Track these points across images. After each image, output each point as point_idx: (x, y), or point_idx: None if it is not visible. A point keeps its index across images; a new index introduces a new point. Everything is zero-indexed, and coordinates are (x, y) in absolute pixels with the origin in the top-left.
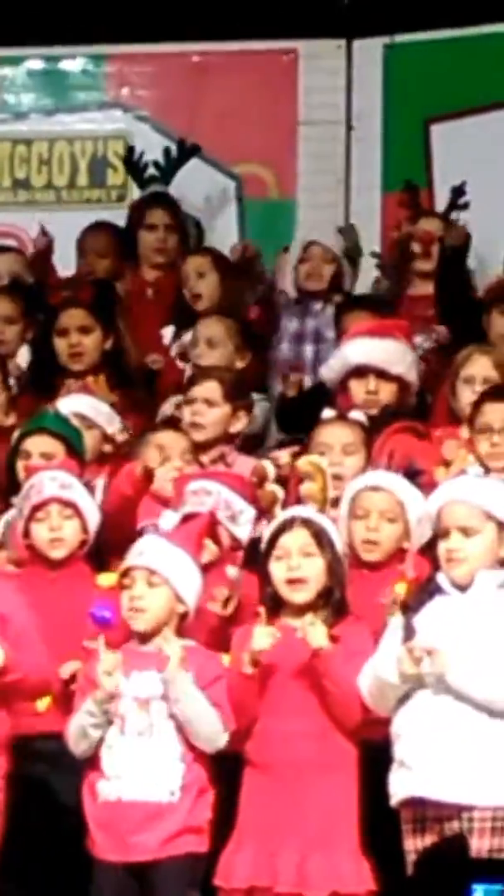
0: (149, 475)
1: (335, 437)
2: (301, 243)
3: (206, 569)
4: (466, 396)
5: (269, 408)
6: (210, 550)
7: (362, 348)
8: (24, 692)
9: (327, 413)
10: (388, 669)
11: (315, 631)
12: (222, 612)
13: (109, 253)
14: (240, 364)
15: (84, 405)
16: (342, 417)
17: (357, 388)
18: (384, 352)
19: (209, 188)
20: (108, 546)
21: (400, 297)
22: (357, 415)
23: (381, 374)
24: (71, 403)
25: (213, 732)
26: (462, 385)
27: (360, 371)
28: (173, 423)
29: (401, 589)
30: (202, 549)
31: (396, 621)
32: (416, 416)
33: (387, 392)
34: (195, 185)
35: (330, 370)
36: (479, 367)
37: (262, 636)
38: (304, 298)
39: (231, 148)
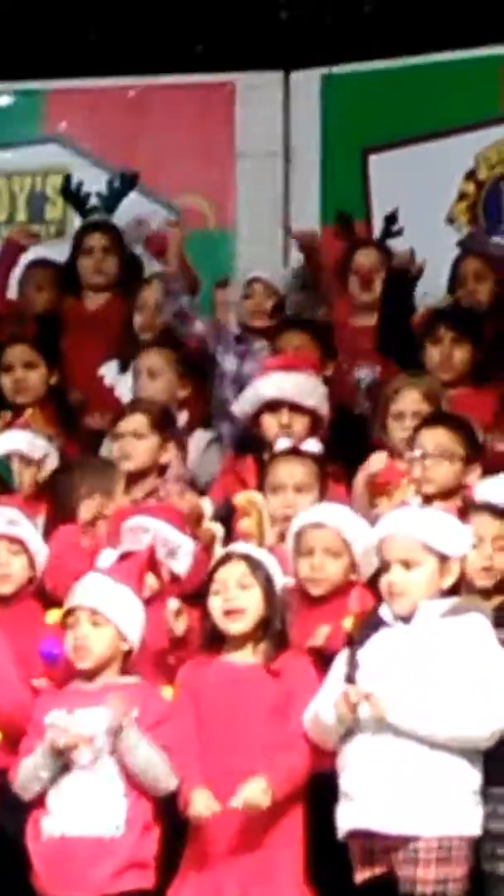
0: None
1: (287, 476)
2: (243, 279)
3: (147, 603)
4: (397, 433)
5: (211, 441)
6: (150, 586)
7: (275, 382)
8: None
9: (282, 443)
10: (327, 712)
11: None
12: (174, 627)
13: (47, 286)
14: (182, 393)
15: (21, 442)
16: (295, 452)
17: (270, 422)
18: (296, 385)
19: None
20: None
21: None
22: (312, 445)
23: (294, 408)
24: (7, 441)
25: (164, 777)
26: (392, 421)
27: (273, 405)
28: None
29: (348, 623)
30: (143, 585)
31: (338, 664)
32: (356, 453)
33: (300, 425)
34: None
35: (244, 404)
36: (408, 402)
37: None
38: (245, 337)
39: (169, 180)
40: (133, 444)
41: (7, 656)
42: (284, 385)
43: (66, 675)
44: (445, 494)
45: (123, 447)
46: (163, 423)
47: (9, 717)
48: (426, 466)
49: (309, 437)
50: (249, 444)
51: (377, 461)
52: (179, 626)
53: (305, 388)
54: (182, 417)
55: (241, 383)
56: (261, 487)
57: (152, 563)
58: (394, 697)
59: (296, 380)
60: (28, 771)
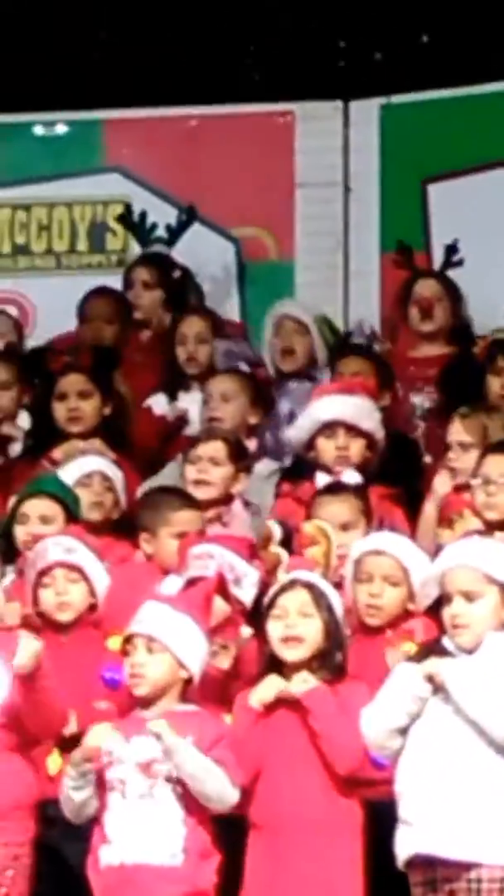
0: None
1: (331, 516)
2: (272, 318)
3: (215, 630)
4: (446, 459)
5: (275, 472)
6: (221, 611)
7: (331, 405)
8: (45, 720)
9: (321, 479)
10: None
11: (298, 684)
12: (219, 665)
13: (115, 318)
14: (253, 420)
15: (105, 465)
16: (336, 490)
17: (326, 446)
18: (353, 407)
19: (209, 251)
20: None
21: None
22: (351, 476)
23: (351, 430)
24: (91, 462)
25: (222, 789)
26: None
27: (329, 428)
28: (187, 496)
29: (409, 648)
30: (209, 613)
31: (402, 668)
32: (410, 477)
33: (356, 448)
34: (195, 249)
35: (299, 430)
36: (453, 433)
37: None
38: (280, 379)
39: (230, 211)
40: (210, 470)
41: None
42: (341, 407)
43: (128, 701)
44: None
45: (201, 471)
46: (238, 453)
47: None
48: (490, 493)
49: (364, 460)
50: (303, 472)
51: (442, 484)
52: (224, 662)
53: (362, 410)
54: (251, 445)
55: (278, 425)
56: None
57: (222, 588)
58: (463, 679)
59: (353, 402)
60: (63, 793)
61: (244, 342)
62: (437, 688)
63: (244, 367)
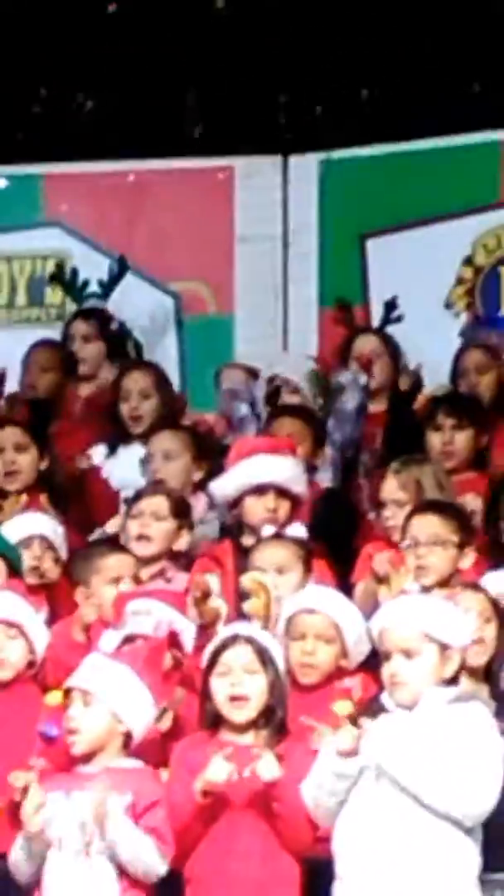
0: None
1: (268, 558)
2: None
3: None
4: (382, 518)
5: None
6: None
7: (263, 466)
8: None
9: (267, 530)
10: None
11: (265, 763)
12: (158, 726)
13: (53, 367)
14: (198, 475)
15: (45, 526)
16: (278, 536)
17: (255, 506)
18: (286, 470)
19: (148, 305)
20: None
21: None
22: (297, 529)
23: (281, 493)
24: (31, 524)
25: (152, 865)
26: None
27: (259, 489)
28: (116, 543)
29: (343, 707)
30: (158, 669)
31: (326, 747)
32: (348, 533)
33: (284, 510)
34: (134, 303)
35: (226, 487)
36: (386, 490)
37: (220, 769)
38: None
39: (169, 265)
40: (152, 525)
41: None
42: (274, 469)
43: (69, 757)
44: (442, 582)
45: (143, 526)
46: (181, 508)
47: None
48: (420, 555)
49: (290, 521)
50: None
51: (381, 564)
52: (165, 724)
53: (294, 473)
54: (201, 501)
55: None
56: (239, 572)
57: (175, 644)
58: (392, 747)
59: (285, 464)
60: (14, 857)
61: (254, 382)
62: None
63: (245, 409)
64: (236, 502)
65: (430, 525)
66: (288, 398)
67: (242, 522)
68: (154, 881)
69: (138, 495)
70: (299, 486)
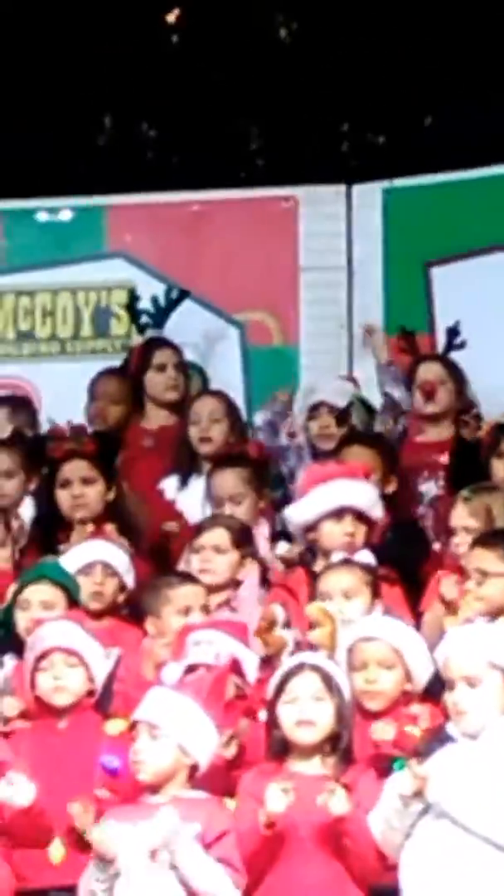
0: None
1: (335, 584)
2: (307, 400)
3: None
4: (451, 545)
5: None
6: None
7: (341, 491)
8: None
9: (336, 556)
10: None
11: (336, 798)
12: (224, 753)
13: (122, 399)
14: (262, 504)
15: (107, 553)
16: (346, 561)
17: (333, 530)
18: (363, 495)
19: (213, 335)
20: None
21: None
22: (365, 555)
23: (359, 517)
24: (93, 550)
25: (224, 894)
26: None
27: (338, 513)
28: (185, 574)
29: (384, 732)
30: (221, 699)
31: (395, 779)
32: (417, 563)
33: (361, 534)
34: (199, 333)
35: (304, 512)
36: (456, 517)
37: (277, 798)
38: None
39: (234, 295)
40: (213, 559)
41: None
42: (351, 494)
43: (134, 787)
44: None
45: (205, 560)
46: (242, 539)
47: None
48: (480, 584)
49: (365, 546)
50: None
51: (449, 590)
52: (230, 751)
53: (371, 497)
54: (264, 529)
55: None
56: (312, 599)
57: (237, 671)
58: (454, 789)
59: (362, 489)
60: (84, 882)
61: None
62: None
63: (284, 440)
64: (312, 527)
65: (487, 557)
66: (333, 424)
67: (315, 549)
68: None
69: (199, 529)
70: (376, 511)
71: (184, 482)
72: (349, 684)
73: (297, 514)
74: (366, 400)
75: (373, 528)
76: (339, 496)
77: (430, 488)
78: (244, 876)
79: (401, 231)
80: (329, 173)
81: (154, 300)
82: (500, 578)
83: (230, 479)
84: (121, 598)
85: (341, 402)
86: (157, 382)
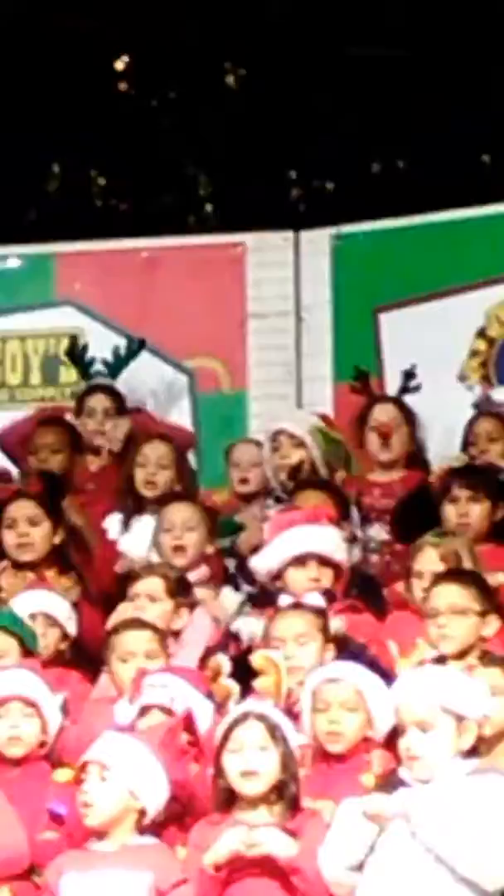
0: None
1: (288, 629)
2: (267, 434)
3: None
4: (416, 591)
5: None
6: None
7: (303, 537)
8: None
9: (284, 600)
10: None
11: (274, 843)
12: None
13: (64, 447)
14: (210, 550)
15: (47, 603)
16: (297, 606)
17: (298, 577)
18: (326, 539)
19: (161, 382)
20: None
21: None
22: (314, 598)
23: (322, 562)
24: (34, 601)
25: None
26: (414, 579)
27: (301, 559)
28: (131, 621)
29: (368, 780)
30: (174, 748)
31: (346, 807)
32: (372, 606)
33: (327, 578)
34: (148, 380)
35: (268, 560)
36: (425, 561)
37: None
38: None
39: (182, 342)
40: (146, 607)
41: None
42: (313, 539)
43: (83, 833)
44: (465, 650)
45: (138, 608)
46: (178, 588)
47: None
48: (440, 624)
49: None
50: (266, 601)
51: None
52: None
53: (334, 541)
54: (203, 572)
55: None
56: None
57: (189, 725)
58: (418, 810)
59: (324, 533)
60: None
61: None
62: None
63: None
64: (278, 575)
65: (450, 594)
66: (292, 452)
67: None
68: None
69: (136, 576)
70: (340, 555)
71: (126, 523)
72: (312, 727)
73: (261, 562)
74: (325, 430)
75: (339, 572)
76: (301, 542)
77: (377, 533)
78: None
79: (349, 277)
80: (277, 220)
81: (115, 350)
82: (459, 616)
83: (185, 510)
84: (63, 646)
85: (300, 431)
86: (86, 427)
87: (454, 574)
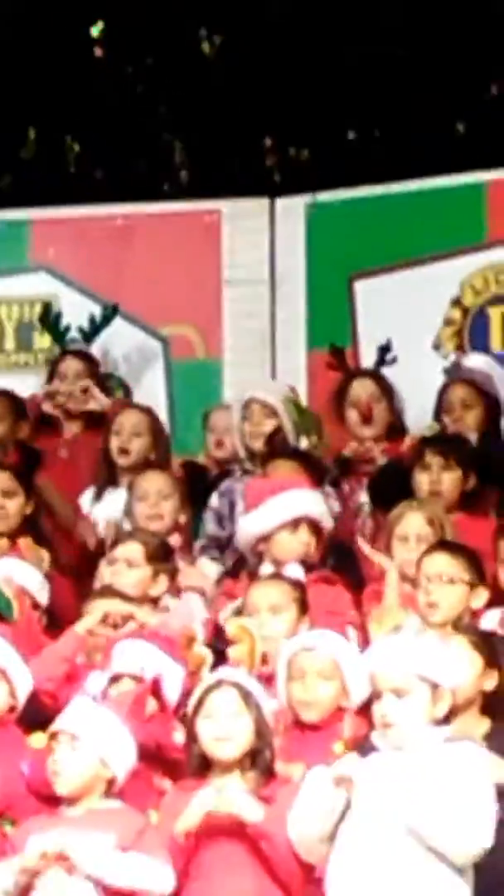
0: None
1: (262, 598)
2: (239, 403)
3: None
4: (401, 554)
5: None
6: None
7: (297, 500)
8: None
9: (265, 569)
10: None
11: (242, 804)
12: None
13: (5, 414)
14: (183, 519)
15: (19, 573)
16: (275, 576)
17: (290, 541)
18: (317, 504)
19: (136, 349)
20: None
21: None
22: (294, 569)
23: (313, 527)
24: (4, 570)
25: (159, 882)
26: (397, 543)
27: (295, 522)
28: (105, 590)
29: (338, 749)
30: (142, 715)
31: (314, 775)
32: (351, 574)
33: (314, 545)
34: (122, 347)
35: (259, 523)
36: (412, 525)
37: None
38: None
39: (157, 309)
40: (124, 572)
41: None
42: (307, 503)
43: (54, 798)
44: (454, 620)
45: (115, 573)
46: (157, 555)
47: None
48: (430, 592)
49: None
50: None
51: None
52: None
53: (323, 507)
54: (176, 540)
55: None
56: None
57: (156, 690)
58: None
59: (317, 499)
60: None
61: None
62: (349, 790)
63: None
64: (265, 538)
65: (440, 563)
66: (265, 421)
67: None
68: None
69: (115, 541)
70: (328, 522)
71: (98, 495)
72: (287, 694)
73: (251, 525)
74: (298, 402)
75: (322, 540)
76: (296, 506)
77: (363, 502)
78: (170, 863)
79: (324, 245)
80: (253, 187)
81: (90, 317)
82: (449, 585)
83: (160, 479)
84: (34, 616)
85: (272, 399)
86: (59, 391)
87: (445, 544)
